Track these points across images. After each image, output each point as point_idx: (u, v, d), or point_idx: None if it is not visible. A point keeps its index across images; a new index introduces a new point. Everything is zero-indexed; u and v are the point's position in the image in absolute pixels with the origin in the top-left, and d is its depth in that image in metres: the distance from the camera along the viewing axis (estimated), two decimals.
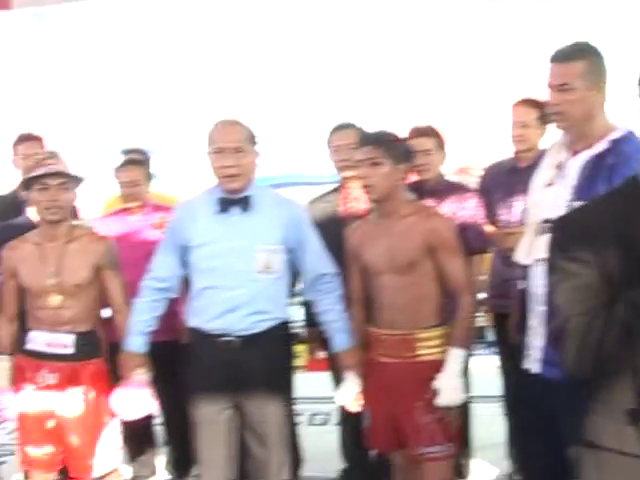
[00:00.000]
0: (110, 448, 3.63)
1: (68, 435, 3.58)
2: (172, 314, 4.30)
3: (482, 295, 4.31)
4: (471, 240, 4.05)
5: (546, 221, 2.79)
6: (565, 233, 2.02)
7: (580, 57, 2.86)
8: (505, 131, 4.31)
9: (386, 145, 3.33)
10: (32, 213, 3.90)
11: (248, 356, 3.40)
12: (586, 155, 2.90)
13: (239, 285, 3.38)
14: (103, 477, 3.71)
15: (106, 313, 3.76)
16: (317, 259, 3.52)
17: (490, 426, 4.86)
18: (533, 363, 3.01)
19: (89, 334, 3.61)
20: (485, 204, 4.19)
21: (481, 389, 3.74)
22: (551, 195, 2.95)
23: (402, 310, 3.30)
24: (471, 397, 4.00)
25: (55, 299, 3.53)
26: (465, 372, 3.41)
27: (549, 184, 3.01)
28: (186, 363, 3.62)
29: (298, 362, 4.52)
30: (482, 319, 4.69)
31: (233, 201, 3.43)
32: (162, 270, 3.56)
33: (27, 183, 3.60)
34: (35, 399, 3.58)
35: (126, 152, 5.48)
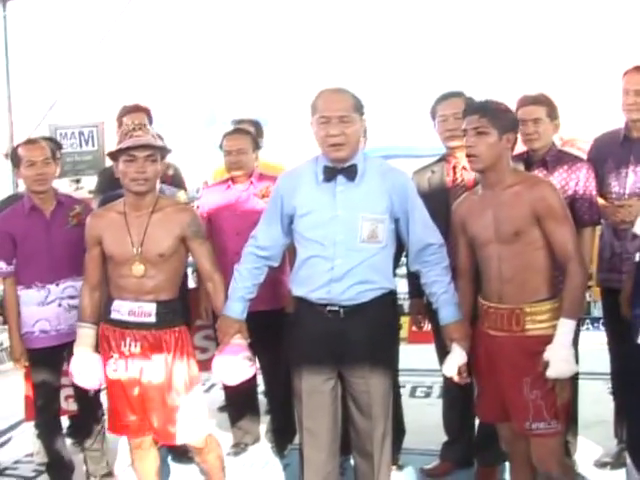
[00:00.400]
0: (194, 416, 3.64)
1: (151, 402, 3.63)
2: (277, 283, 4.35)
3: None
4: (582, 212, 3.94)
5: None
6: None
7: None
8: (611, 102, 4.15)
9: (492, 114, 3.26)
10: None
11: (352, 326, 3.38)
12: None
13: (344, 255, 3.35)
14: (198, 446, 3.77)
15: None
16: (423, 229, 3.45)
17: (596, 404, 4.75)
18: None
19: (171, 302, 3.63)
20: (595, 175, 4.06)
21: (586, 366, 3.64)
22: None
23: (509, 281, 3.24)
24: (577, 374, 3.91)
25: (139, 268, 3.56)
26: (575, 345, 3.31)
27: None
28: (290, 332, 3.63)
29: (400, 334, 4.50)
30: (588, 294, 4.57)
31: (338, 170, 3.38)
32: (265, 238, 3.55)
33: (115, 154, 3.61)
34: (120, 367, 3.63)
35: (237, 122, 5.54)
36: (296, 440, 3.87)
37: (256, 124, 5.61)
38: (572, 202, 3.92)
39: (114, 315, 3.63)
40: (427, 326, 4.34)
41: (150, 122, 5.30)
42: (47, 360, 4.15)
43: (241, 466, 4.69)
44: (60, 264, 4.09)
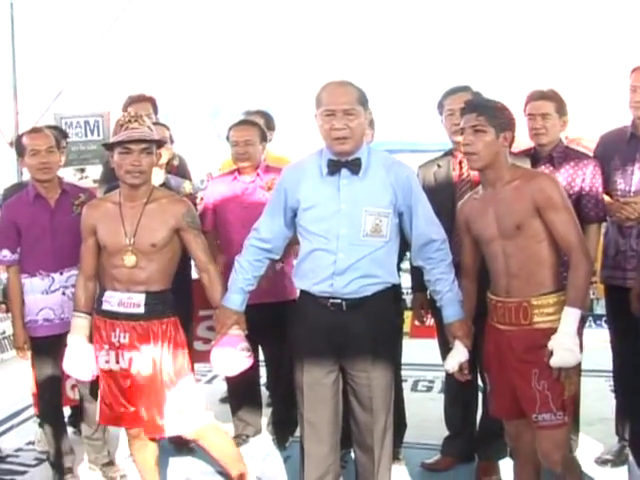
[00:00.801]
0: (182, 408, 3.63)
1: (140, 393, 3.63)
2: (281, 275, 4.35)
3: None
4: (588, 209, 3.94)
5: None
6: None
7: None
8: (617, 101, 4.15)
9: (489, 112, 3.27)
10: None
11: (355, 319, 3.38)
12: None
13: (347, 248, 3.34)
14: (190, 438, 3.78)
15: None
16: (426, 224, 3.44)
17: (597, 401, 4.76)
18: None
19: (161, 294, 3.63)
20: (601, 172, 4.05)
21: (589, 363, 3.64)
22: None
23: (516, 276, 3.24)
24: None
25: (130, 259, 3.56)
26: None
27: None
28: (292, 325, 3.62)
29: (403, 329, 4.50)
30: (591, 291, 4.56)
31: (342, 164, 3.37)
32: (267, 231, 3.55)
33: (110, 146, 3.61)
34: (111, 359, 3.64)
35: (247, 113, 5.51)
36: (297, 433, 3.86)
37: (266, 116, 5.58)
38: (578, 199, 3.92)
39: (105, 306, 3.65)
40: (429, 321, 4.34)
41: (155, 112, 5.31)
42: (50, 348, 4.15)
43: None
44: (64, 253, 4.09)
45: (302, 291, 3.53)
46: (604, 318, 5.28)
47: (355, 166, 3.37)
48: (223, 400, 5.42)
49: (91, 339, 3.71)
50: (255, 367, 4.36)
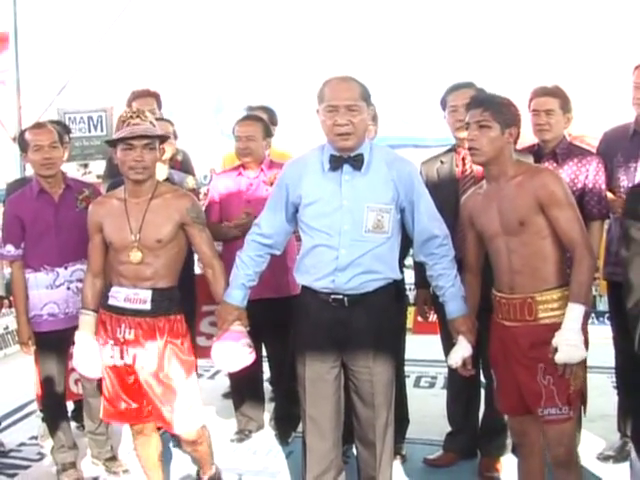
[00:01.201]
0: (190, 405, 3.64)
1: (143, 390, 3.63)
2: (284, 271, 4.35)
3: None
4: (591, 206, 3.94)
5: None
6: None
7: None
8: (620, 100, 4.15)
9: (495, 108, 3.26)
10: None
11: (357, 315, 3.39)
12: None
13: (349, 244, 3.34)
14: (191, 439, 3.78)
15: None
16: (429, 220, 3.43)
17: (599, 398, 4.74)
18: None
19: (168, 290, 3.63)
20: (605, 169, 4.05)
21: (591, 360, 3.63)
22: None
23: (519, 272, 3.24)
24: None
25: (136, 255, 3.56)
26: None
27: None
28: (294, 321, 3.63)
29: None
30: (594, 288, 4.56)
31: (344, 159, 3.37)
32: (268, 226, 3.54)
33: (112, 142, 3.61)
34: (116, 354, 3.64)
35: (251, 109, 5.51)
36: (300, 428, 3.87)
37: (269, 111, 5.58)
38: (581, 195, 3.92)
39: (111, 301, 3.65)
40: (432, 317, 4.34)
41: (159, 107, 5.31)
42: (54, 343, 4.17)
43: (244, 453, 4.71)
44: (69, 247, 4.10)
45: (304, 287, 3.53)
46: (607, 315, 5.28)
47: (357, 162, 3.36)
48: (226, 395, 5.43)
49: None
50: (258, 363, 4.37)
